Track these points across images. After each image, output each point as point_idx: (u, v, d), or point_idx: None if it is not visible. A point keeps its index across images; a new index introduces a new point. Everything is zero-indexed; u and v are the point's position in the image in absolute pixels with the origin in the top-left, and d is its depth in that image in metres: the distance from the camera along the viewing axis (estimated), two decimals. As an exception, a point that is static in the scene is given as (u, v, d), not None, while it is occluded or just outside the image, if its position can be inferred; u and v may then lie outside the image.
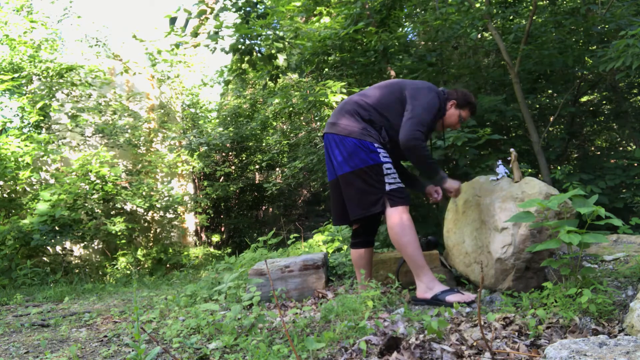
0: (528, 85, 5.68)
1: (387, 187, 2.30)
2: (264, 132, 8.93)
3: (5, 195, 5.84)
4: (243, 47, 4.52)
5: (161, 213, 7.32)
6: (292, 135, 8.23)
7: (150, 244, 7.21)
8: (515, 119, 5.47)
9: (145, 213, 7.09)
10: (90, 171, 6.04)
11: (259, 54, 4.68)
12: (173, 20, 4.19)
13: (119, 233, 6.08)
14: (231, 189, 8.51)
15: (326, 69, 5.71)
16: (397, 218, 2.27)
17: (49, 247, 5.86)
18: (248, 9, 4.53)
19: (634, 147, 5.76)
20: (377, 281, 2.78)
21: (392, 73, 5.39)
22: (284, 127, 8.64)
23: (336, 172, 2.40)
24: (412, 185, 2.72)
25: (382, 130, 2.38)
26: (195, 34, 4.56)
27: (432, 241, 2.65)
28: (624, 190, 4.71)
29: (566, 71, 5.54)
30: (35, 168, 5.89)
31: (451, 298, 2.15)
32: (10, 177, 5.57)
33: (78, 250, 6.37)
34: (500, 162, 2.58)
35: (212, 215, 9.01)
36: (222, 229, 9.38)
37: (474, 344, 1.66)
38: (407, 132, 2.28)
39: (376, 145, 2.33)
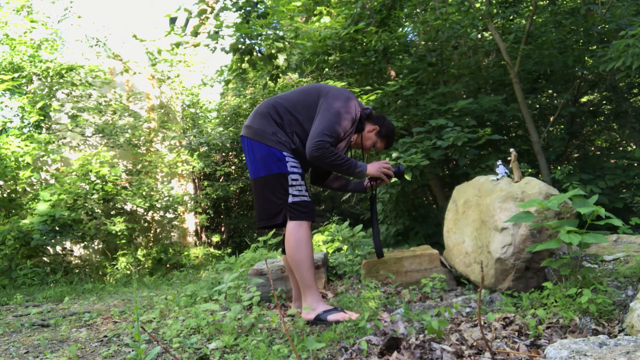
0: (528, 85, 5.69)
1: (290, 199, 2.20)
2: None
3: (5, 195, 5.84)
4: (243, 47, 4.52)
5: (161, 213, 7.32)
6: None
7: (151, 244, 7.21)
8: (515, 119, 5.47)
9: (145, 213, 7.09)
10: (91, 171, 6.04)
11: (259, 54, 4.68)
12: (173, 20, 4.19)
13: (119, 233, 6.08)
14: (231, 189, 8.51)
15: (326, 69, 5.71)
16: (294, 234, 2.18)
17: (49, 247, 5.85)
18: (248, 8, 4.53)
19: (634, 147, 5.77)
20: (378, 281, 2.78)
21: (392, 73, 5.39)
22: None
23: (250, 175, 2.35)
24: (348, 188, 2.64)
25: (294, 135, 2.27)
26: (195, 34, 4.57)
27: (400, 169, 2.49)
28: (624, 190, 4.72)
29: (566, 71, 5.54)
30: (36, 168, 5.89)
31: (332, 317, 2.09)
32: (10, 177, 5.57)
33: (78, 250, 6.37)
34: (500, 162, 2.58)
35: (212, 215, 9.01)
36: (222, 229, 9.38)
37: (474, 344, 1.66)
38: (310, 144, 2.15)
39: (285, 153, 2.22)
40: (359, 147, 2.52)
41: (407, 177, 4.17)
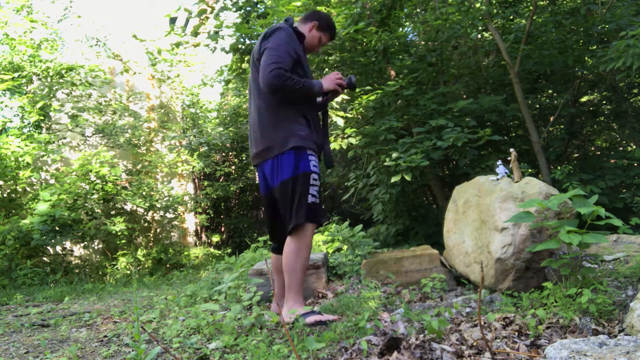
0: (528, 85, 5.68)
1: (310, 199, 2.27)
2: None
3: (5, 195, 5.84)
4: (243, 47, 4.52)
5: (161, 213, 7.32)
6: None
7: (151, 244, 7.21)
8: (515, 119, 5.47)
9: (145, 213, 7.09)
10: (91, 171, 6.04)
11: (259, 54, 4.68)
12: (173, 20, 4.19)
13: (119, 233, 6.08)
14: (231, 189, 8.50)
15: (326, 69, 5.71)
16: (300, 236, 2.24)
17: (49, 247, 5.85)
18: (248, 8, 4.54)
19: (634, 147, 5.77)
20: (378, 281, 2.78)
21: (392, 73, 5.39)
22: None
23: (271, 183, 2.37)
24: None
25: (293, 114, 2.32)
26: (195, 34, 4.57)
27: (352, 80, 2.47)
28: (624, 190, 4.72)
29: (566, 71, 5.54)
30: (36, 168, 5.89)
31: (310, 320, 2.11)
32: (10, 177, 5.56)
33: (78, 250, 6.37)
34: (500, 162, 2.58)
35: (212, 215, 9.00)
36: (222, 229, 9.38)
37: (474, 344, 1.66)
38: (266, 76, 2.16)
39: (308, 152, 2.30)
40: (310, 50, 2.54)
41: (407, 177, 4.17)
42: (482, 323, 1.84)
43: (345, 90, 2.56)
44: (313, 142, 2.32)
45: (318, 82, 2.34)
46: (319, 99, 2.53)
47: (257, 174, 2.46)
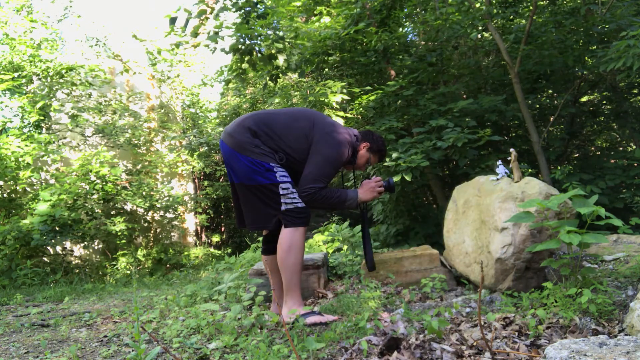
0: (528, 85, 5.69)
1: (283, 207, 2.22)
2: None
3: (5, 195, 5.84)
4: (243, 47, 4.52)
5: (161, 213, 7.32)
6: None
7: (151, 244, 7.21)
8: (515, 119, 5.47)
9: (145, 213, 7.09)
10: (91, 171, 6.04)
11: (259, 54, 4.68)
12: (173, 20, 4.19)
13: (119, 233, 6.08)
14: (231, 189, 8.49)
15: (326, 69, 5.71)
16: (287, 239, 2.21)
17: (49, 247, 5.85)
18: (248, 9, 4.53)
19: (634, 147, 5.77)
20: (378, 281, 2.78)
21: (392, 73, 5.39)
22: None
23: (233, 179, 2.33)
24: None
25: (280, 153, 2.28)
26: (195, 34, 4.56)
27: (390, 183, 2.49)
28: (624, 190, 4.72)
29: (566, 71, 5.54)
30: (36, 168, 5.89)
31: (310, 320, 2.11)
32: (10, 177, 5.56)
33: (78, 250, 6.37)
34: (500, 162, 2.58)
35: (212, 215, 9.00)
36: (222, 229, 9.38)
37: (474, 344, 1.66)
38: (304, 189, 2.22)
39: (272, 164, 2.23)
40: (356, 169, 2.58)
41: (407, 177, 4.17)
42: (482, 323, 1.84)
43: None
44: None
45: (354, 193, 2.36)
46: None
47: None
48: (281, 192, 2.23)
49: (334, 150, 2.30)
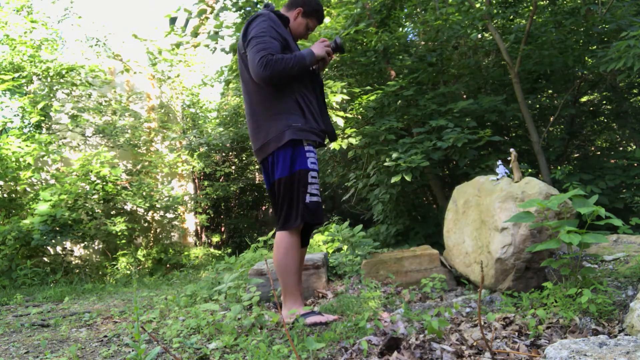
0: (528, 85, 5.69)
1: (308, 199, 2.23)
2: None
3: (5, 195, 5.84)
4: (243, 47, 4.52)
5: (161, 213, 7.32)
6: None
7: (151, 244, 7.21)
8: (515, 119, 5.47)
9: (145, 213, 7.09)
10: (91, 171, 6.04)
11: (259, 54, 4.68)
12: (173, 20, 4.19)
13: (119, 233, 6.08)
14: (231, 189, 8.51)
15: (326, 69, 5.71)
16: (284, 238, 2.23)
17: (49, 247, 5.86)
18: (248, 8, 4.53)
19: (634, 147, 5.77)
20: (378, 281, 2.78)
21: (392, 73, 5.39)
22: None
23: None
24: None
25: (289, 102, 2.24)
26: (195, 34, 4.57)
27: (337, 42, 2.35)
28: (624, 190, 4.72)
29: (566, 71, 5.54)
30: (36, 168, 5.89)
31: (310, 320, 2.10)
32: (11, 177, 5.57)
33: (78, 250, 6.37)
34: (500, 162, 2.58)
35: (212, 215, 9.01)
36: (222, 229, 9.38)
37: (474, 344, 1.66)
38: (255, 70, 2.08)
39: (306, 148, 2.25)
40: (298, 37, 2.47)
41: (407, 177, 4.17)
42: (482, 323, 1.84)
43: (336, 55, 2.48)
44: (311, 131, 2.23)
45: (308, 50, 2.23)
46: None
47: (262, 170, 2.40)
48: (310, 180, 2.25)
49: (258, 25, 2.17)
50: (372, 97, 4.84)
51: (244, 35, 2.22)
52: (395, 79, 5.12)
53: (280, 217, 2.22)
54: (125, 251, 6.41)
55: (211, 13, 4.47)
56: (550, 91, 6.19)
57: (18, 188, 5.89)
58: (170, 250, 7.01)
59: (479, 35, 5.80)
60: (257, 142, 2.27)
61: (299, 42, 5.24)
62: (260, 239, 4.15)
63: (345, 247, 3.75)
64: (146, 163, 7.26)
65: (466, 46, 5.84)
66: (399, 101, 5.06)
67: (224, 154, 9.17)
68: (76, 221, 5.62)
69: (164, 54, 8.15)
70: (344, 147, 4.76)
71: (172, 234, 7.68)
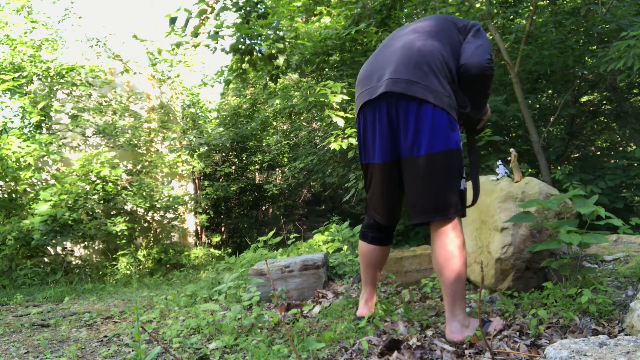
0: (528, 85, 5.69)
1: (463, 185, 1.75)
2: (264, 132, 8.93)
3: (5, 195, 5.84)
4: (243, 47, 4.52)
5: (161, 213, 7.33)
6: (292, 135, 8.24)
7: (151, 244, 7.21)
8: (515, 119, 5.47)
9: (145, 213, 7.10)
10: (91, 171, 6.05)
11: (259, 54, 4.69)
12: (173, 20, 4.19)
13: (120, 233, 6.08)
14: (231, 189, 8.51)
15: (327, 69, 5.71)
16: (458, 233, 1.75)
17: (49, 247, 5.86)
18: (248, 8, 4.53)
19: (634, 147, 5.77)
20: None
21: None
22: (285, 127, 8.65)
23: (403, 151, 1.74)
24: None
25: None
26: (195, 34, 4.57)
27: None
28: (624, 190, 4.72)
29: (566, 71, 5.54)
30: (37, 168, 5.89)
31: (491, 328, 1.77)
32: (11, 177, 5.57)
33: (78, 250, 6.38)
34: (500, 162, 2.58)
35: (212, 215, 9.01)
36: (223, 229, 9.39)
37: (474, 343, 1.66)
38: (482, 56, 1.70)
39: (457, 124, 1.78)
40: None
41: None
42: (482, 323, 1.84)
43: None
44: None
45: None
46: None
47: (362, 121, 1.84)
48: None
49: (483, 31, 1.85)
50: (372, 97, 4.83)
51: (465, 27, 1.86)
52: (395, 79, 5.11)
53: (448, 204, 1.74)
54: (125, 251, 6.41)
55: (211, 13, 4.47)
56: (550, 91, 6.19)
57: (18, 188, 5.89)
58: (171, 251, 7.02)
59: (479, 35, 5.79)
60: (399, 71, 1.73)
61: (299, 41, 5.25)
62: (260, 239, 4.15)
63: (345, 247, 3.75)
64: (146, 163, 7.26)
65: (466, 46, 5.84)
66: (399, 101, 5.05)
67: (224, 154, 9.17)
68: (76, 221, 5.62)
69: (163, 54, 8.16)
70: (344, 147, 4.76)
71: (172, 234, 7.69)
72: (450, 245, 1.69)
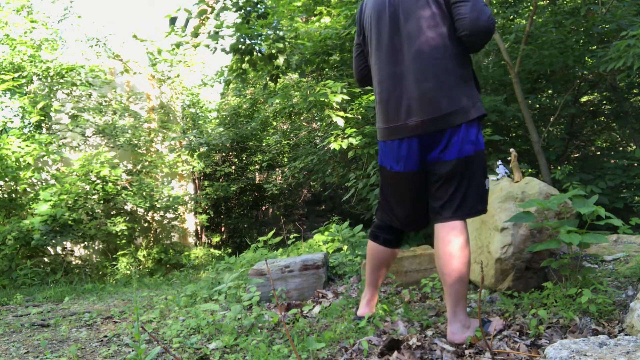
0: (528, 85, 5.69)
1: (487, 184, 1.81)
2: (264, 132, 8.94)
3: (5, 195, 5.84)
4: (243, 47, 4.52)
5: (161, 213, 7.33)
6: (292, 135, 8.24)
7: (151, 244, 7.21)
8: (515, 119, 5.47)
9: (145, 213, 7.10)
10: (91, 171, 6.05)
11: (259, 54, 4.68)
12: (173, 20, 4.19)
13: (120, 233, 6.09)
14: (231, 189, 8.52)
15: (327, 69, 5.71)
16: (463, 233, 1.76)
17: (49, 247, 5.86)
18: (248, 8, 4.53)
19: (634, 147, 5.77)
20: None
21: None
22: (284, 127, 8.65)
23: (430, 158, 1.77)
24: None
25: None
26: (195, 34, 4.56)
27: None
28: (624, 190, 4.72)
29: (566, 71, 5.54)
30: (37, 168, 5.89)
31: (491, 328, 1.78)
32: (11, 177, 5.57)
33: (78, 250, 6.38)
34: (500, 162, 2.58)
35: (212, 215, 9.01)
36: (223, 229, 9.39)
37: (474, 343, 1.66)
38: (480, 17, 1.62)
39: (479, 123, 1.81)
40: None
41: None
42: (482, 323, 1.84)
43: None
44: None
45: None
46: None
47: (391, 148, 1.83)
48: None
49: None
50: (372, 98, 4.84)
51: None
52: (395, 79, 5.11)
53: (464, 205, 1.75)
54: (125, 251, 6.41)
55: (211, 13, 4.47)
56: (550, 91, 6.19)
57: (18, 188, 5.89)
58: (171, 251, 7.02)
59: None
60: (427, 109, 1.72)
61: (299, 41, 5.25)
62: (260, 239, 4.15)
63: (345, 247, 3.75)
64: (146, 163, 7.26)
65: (466, 46, 5.83)
66: (399, 101, 5.05)
67: (224, 154, 9.17)
68: (76, 221, 5.62)
69: (163, 54, 8.16)
70: (344, 147, 4.76)
71: (172, 234, 7.69)
72: (456, 245, 1.71)
